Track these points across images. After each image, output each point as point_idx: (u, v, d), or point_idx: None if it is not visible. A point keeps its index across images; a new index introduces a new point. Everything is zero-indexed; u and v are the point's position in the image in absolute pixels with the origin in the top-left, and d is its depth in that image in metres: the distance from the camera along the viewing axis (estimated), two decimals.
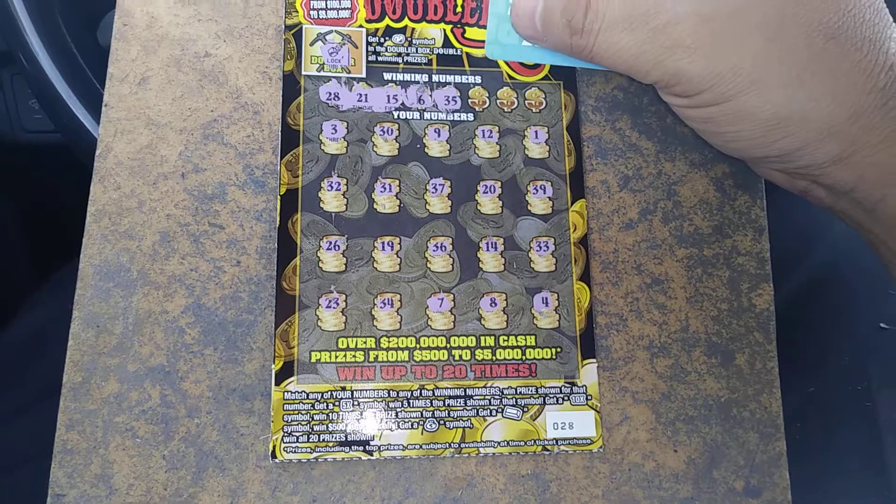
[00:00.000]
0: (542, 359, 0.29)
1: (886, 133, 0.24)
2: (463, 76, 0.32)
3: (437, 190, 0.31)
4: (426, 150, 0.31)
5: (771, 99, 0.24)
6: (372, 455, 0.28)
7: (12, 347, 0.49)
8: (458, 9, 0.32)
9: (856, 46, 0.24)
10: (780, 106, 0.24)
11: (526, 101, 0.32)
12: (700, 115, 0.27)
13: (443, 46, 0.32)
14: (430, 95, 0.31)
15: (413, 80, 0.31)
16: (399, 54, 0.32)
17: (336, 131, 0.31)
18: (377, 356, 0.29)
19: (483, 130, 0.31)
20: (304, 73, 0.31)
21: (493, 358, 0.29)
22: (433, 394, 0.29)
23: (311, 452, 0.28)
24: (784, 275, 0.36)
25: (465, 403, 0.29)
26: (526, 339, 0.30)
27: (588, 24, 0.25)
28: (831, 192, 0.28)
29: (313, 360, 0.28)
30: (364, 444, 0.28)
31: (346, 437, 0.28)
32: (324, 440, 0.28)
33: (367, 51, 0.31)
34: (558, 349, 0.30)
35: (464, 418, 0.29)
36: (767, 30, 0.23)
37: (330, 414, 0.28)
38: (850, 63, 0.24)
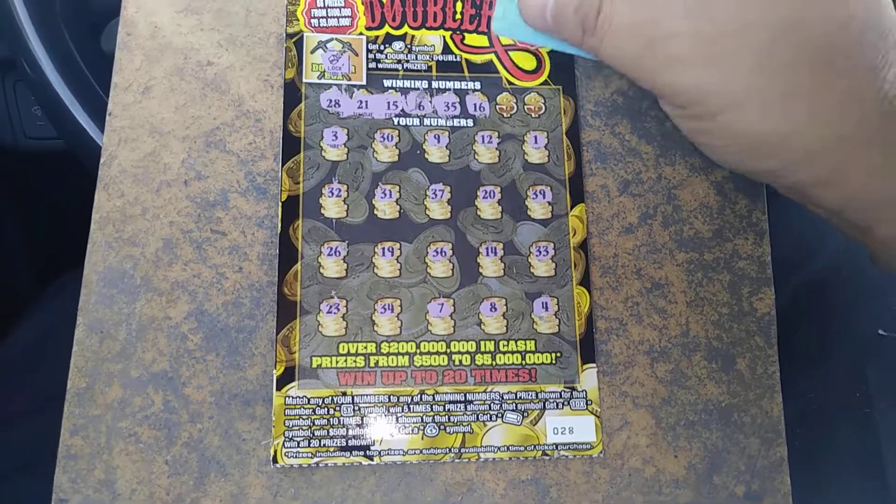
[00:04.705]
0: (542, 364, 0.30)
1: (878, 162, 0.24)
2: (462, 82, 0.32)
3: (436, 195, 0.31)
4: (426, 155, 0.31)
5: (751, 119, 0.24)
6: (372, 460, 0.28)
7: (14, 354, 0.49)
8: (458, 16, 0.32)
9: (848, 74, 0.23)
10: (759, 127, 0.24)
11: (525, 107, 0.32)
12: (692, 127, 0.27)
13: (442, 53, 0.32)
14: (430, 102, 0.32)
15: (413, 86, 0.32)
16: (399, 61, 0.32)
17: (337, 138, 0.31)
18: (377, 361, 0.29)
19: (482, 136, 0.32)
20: (305, 80, 0.31)
21: (493, 363, 0.29)
22: (433, 399, 0.29)
23: (312, 457, 0.28)
24: (784, 279, 0.36)
25: (466, 408, 0.29)
26: (526, 344, 0.30)
27: (599, 25, 0.26)
28: (824, 210, 0.28)
29: (314, 365, 0.29)
30: (365, 449, 0.28)
31: (346, 442, 0.28)
32: (325, 445, 0.28)
33: (368, 58, 0.32)
34: (558, 354, 0.30)
35: (464, 423, 0.29)
36: (759, 52, 0.23)
37: (331, 419, 0.28)
38: (839, 90, 0.23)
